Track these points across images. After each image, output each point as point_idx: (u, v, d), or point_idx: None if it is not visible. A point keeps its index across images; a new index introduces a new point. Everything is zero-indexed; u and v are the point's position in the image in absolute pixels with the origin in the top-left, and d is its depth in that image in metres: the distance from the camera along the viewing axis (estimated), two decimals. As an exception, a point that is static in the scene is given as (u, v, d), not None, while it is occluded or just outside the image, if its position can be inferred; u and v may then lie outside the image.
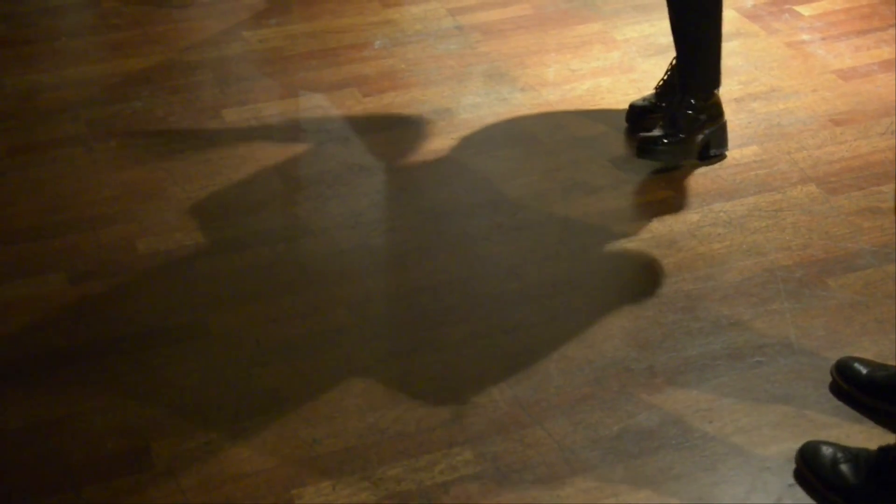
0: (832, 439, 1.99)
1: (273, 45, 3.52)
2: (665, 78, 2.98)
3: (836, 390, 2.14)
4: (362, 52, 3.45)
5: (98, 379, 2.22)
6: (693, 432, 2.06)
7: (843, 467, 1.89)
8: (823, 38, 3.43)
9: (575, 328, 2.32)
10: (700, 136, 2.79)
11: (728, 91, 3.13)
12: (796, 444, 2.00)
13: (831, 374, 2.16)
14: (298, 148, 2.99)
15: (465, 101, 3.17)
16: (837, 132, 2.95)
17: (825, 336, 2.28)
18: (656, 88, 3.00)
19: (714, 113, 2.81)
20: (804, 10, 3.57)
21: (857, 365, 2.13)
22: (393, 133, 3.02)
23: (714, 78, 2.80)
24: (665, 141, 2.74)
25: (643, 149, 2.75)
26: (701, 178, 2.81)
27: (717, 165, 2.87)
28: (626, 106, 3.03)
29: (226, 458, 2.04)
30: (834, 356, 2.21)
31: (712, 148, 2.84)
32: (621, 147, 2.94)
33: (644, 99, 3.01)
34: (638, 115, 2.98)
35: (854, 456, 1.90)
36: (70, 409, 2.16)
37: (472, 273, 2.50)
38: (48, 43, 3.56)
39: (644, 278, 2.47)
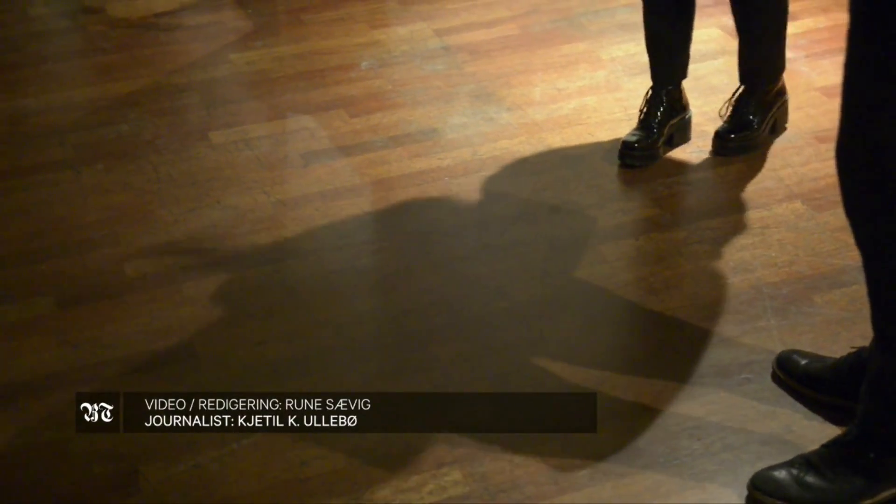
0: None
1: (260, 67, 3.53)
2: (644, 109, 2.96)
3: (778, 382, 2.19)
4: (349, 74, 3.46)
5: (85, 403, 2.22)
6: (681, 450, 2.06)
7: (809, 478, 1.91)
8: (807, 56, 3.45)
9: (562, 347, 2.32)
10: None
11: (714, 109, 3.14)
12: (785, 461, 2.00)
13: (773, 368, 2.21)
14: (286, 170, 3.00)
15: (451, 121, 3.18)
16: (822, 149, 2.97)
17: (812, 352, 2.28)
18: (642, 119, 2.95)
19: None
20: (788, 28, 3.58)
21: (795, 357, 2.19)
22: (380, 154, 3.03)
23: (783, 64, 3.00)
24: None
25: (724, 148, 2.94)
26: (687, 196, 2.82)
27: (703, 183, 2.88)
28: (612, 124, 3.03)
29: (214, 481, 2.03)
30: (821, 372, 2.22)
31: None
32: (608, 165, 2.95)
33: (633, 134, 2.94)
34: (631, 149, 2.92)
35: (806, 460, 1.92)
36: (56, 433, 2.15)
37: (459, 293, 2.50)
38: (34, 67, 3.57)
39: (631, 296, 2.47)
